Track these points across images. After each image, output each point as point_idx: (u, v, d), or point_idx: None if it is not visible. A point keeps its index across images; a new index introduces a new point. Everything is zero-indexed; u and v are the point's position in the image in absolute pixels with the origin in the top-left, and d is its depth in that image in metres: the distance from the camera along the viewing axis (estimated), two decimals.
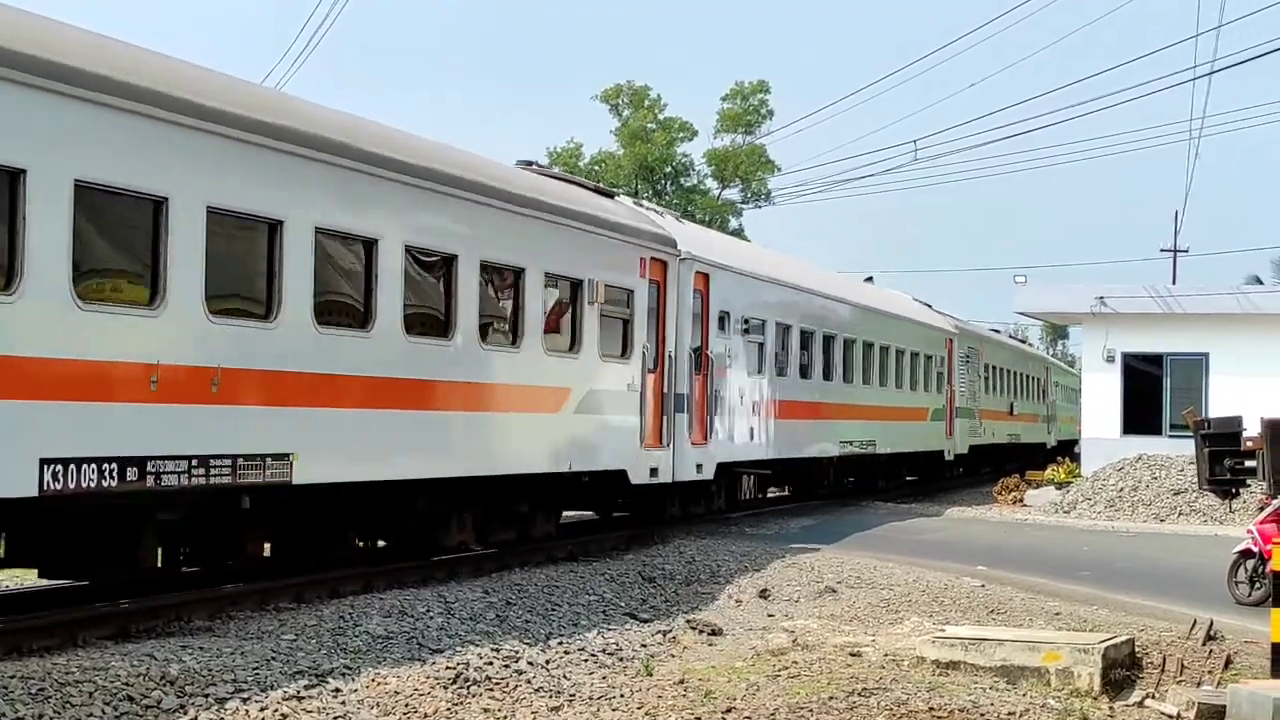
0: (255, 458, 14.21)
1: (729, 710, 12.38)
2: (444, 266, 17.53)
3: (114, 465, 12.59)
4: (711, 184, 76.81)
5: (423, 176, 17.05)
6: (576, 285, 20.42)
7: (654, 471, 22.67)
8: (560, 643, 14.99)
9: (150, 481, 12.96)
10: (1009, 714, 12.98)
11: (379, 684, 12.05)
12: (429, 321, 17.33)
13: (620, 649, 15.11)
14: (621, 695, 12.97)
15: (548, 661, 13.98)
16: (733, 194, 77.08)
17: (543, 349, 19.50)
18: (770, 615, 18.14)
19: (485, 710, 11.89)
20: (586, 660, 14.42)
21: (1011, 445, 53.74)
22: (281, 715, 10.76)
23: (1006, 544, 26.95)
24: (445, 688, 12.35)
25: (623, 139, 74.11)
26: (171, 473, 13.20)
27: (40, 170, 11.86)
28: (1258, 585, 18.60)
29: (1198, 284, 41.16)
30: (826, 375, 32.02)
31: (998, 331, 59.92)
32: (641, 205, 26.02)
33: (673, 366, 23.19)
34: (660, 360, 22.82)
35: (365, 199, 16.06)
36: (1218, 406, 36.18)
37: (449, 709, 11.77)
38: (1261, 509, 19.02)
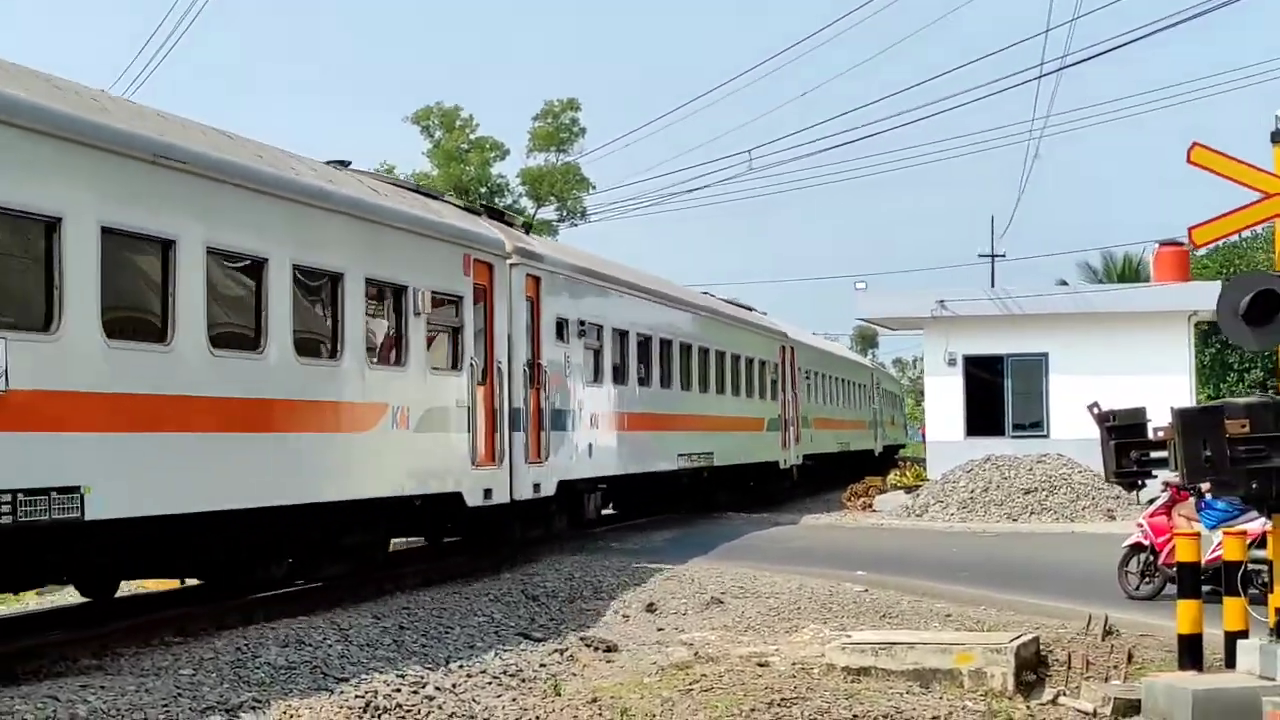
0: None
1: None
2: None
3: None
4: (527, 203, 76.29)
5: None
6: None
7: None
8: (461, 665, 14.51)
9: None
10: (932, 718, 12.81)
11: (291, 715, 11.46)
12: None
13: (521, 670, 14.65)
14: (538, 717, 12.52)
15: (454, 685, 13.48)
16: (548, 213, 76.66)
17: None
18: (660, 629, 17.79)
19: None
20: (491, 683, 13.93)
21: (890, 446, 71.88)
22: None
23: (873, 548, 26.86)
24: (359, 717, 11.80)
25: (437, 160, 73.31)
26: None
27: None
28: (1147, 579, 18.67)
29: (1014, 288, 41.32)
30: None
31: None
32: None
33: None
34: None
35: None
36: (1058, 405, 36.76)
37: None
38: (1150, 503, 19.08)
